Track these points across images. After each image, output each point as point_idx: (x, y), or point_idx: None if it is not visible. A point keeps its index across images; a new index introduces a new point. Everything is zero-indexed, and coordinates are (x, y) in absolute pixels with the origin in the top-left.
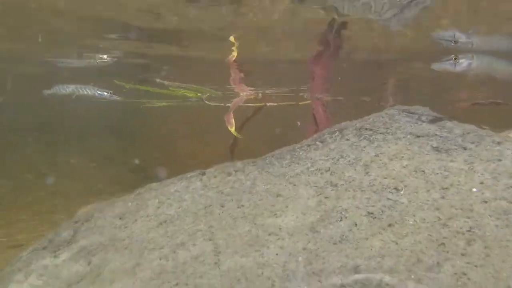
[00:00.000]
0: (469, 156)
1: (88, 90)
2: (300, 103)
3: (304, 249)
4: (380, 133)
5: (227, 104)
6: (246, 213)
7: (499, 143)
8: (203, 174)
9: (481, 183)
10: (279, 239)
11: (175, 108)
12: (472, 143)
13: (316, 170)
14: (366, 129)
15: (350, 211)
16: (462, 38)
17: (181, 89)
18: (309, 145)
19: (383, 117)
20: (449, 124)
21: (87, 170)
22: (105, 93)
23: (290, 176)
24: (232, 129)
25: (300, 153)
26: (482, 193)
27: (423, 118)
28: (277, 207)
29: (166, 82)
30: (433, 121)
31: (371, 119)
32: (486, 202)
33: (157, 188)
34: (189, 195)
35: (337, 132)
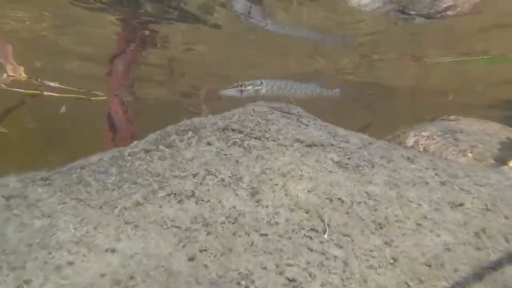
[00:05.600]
0: (389, 177)
1: None
2: (93, 99)
3: None
4: (255, 138)
5: None
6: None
7: (409, 159)
8: None
9: (425, 217)
10: None
11: None
12: (382, 158)
13: (171, 195)
14: (234, 130)
15: (255, 276)
16: (258, 16)
17: None
18: (147, 151)
19: (252, 116)
20: (340, 131)
21: None
22: None
23: (124, 208)
24: None
25: (136, 164)
26: (438, 236)
27: (304, 120)
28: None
29: None
30: (317, 125)
31: (236, 116)
32: (450, 250)
33: None
34: None
35: (190, 132)
